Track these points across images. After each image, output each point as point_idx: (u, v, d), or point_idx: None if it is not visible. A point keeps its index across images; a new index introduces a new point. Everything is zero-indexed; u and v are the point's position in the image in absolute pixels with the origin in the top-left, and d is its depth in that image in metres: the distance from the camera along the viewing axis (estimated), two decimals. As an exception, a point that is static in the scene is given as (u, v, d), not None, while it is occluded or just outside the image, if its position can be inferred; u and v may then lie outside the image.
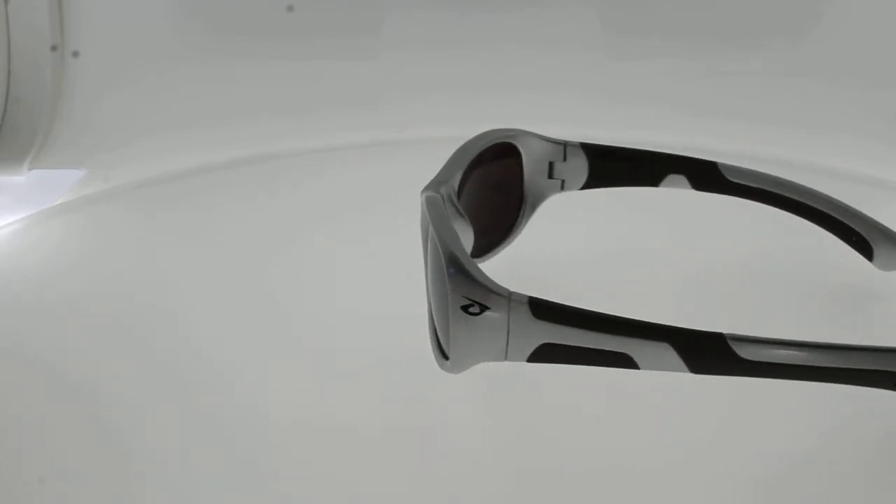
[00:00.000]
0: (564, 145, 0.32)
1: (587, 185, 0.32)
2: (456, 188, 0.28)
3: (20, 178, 0.47)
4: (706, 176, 0.31)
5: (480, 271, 0.22)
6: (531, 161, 0.32)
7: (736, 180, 0.31)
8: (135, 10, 0.53)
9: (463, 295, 0.21)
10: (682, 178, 0.31)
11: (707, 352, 0.21)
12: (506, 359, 0.22)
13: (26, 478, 0.24)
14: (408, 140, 0.47)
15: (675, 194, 0.32)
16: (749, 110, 0.49)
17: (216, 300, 0.32)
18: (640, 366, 0.21)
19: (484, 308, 0.21)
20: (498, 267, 0.30)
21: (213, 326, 0.30)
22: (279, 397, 0.26)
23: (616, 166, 0.32)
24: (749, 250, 0.34)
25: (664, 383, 0.23)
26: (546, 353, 0.22)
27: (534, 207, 0.32)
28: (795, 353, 0.21)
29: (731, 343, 0.21)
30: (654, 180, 0.32)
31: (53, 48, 0.51)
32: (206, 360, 0.28)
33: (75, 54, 0.52)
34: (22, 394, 0.27)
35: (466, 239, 0.27)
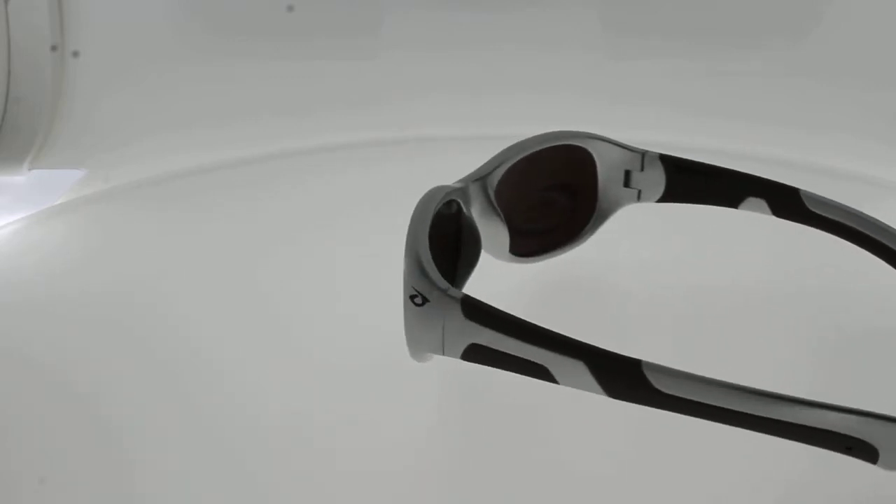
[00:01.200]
0: (643, 154, 0.31)
1: (664, 198, 0.31)
2: (495, 184, 0.28)
3: (20, 178, 0.47)
4: (786, 203, 0.30)
5: (431, 265, 0.22)
6: (606, 167, 0.31)
7: (816, 211, 0.29)
8: (135, 10, 0.53)
9: (411, 284, 0.22)
10: (762, 203, 0.30)
11: (621, 377, 0.20)
12: (443, 354, 0.22)
13: (26, 478, 0.24)
14: (408, 140, 0.47)
15: (754, 218, 0.31)
16: (749, 110, 0.49)
17: (216, 300, 0.32)
18: (558, 381, 0.21)
19: (425, 300, 0.22)
20: (557, 267, 0.32)
21: (213, 327, 0.30)
22: (279, 398, 0.26)
23: (694, 181, 0.31)
24: (810, 281, 0.33)
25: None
26: (476, 354, 0.22)
27: (607, 214, 0.32)
28: (719, 393, 0.19)
29: (646, 371, 0.20)
30: (732, 201, 0.30)
31: (53, 48, 0.51)
32: (206, 360, 0.28)
33: (75, 54, 0.52)
34: (21, 394, 0.27)
35: (495, 234, 0.29)
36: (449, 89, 0.51)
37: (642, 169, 0.31)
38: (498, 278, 0.29)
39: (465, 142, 0.44)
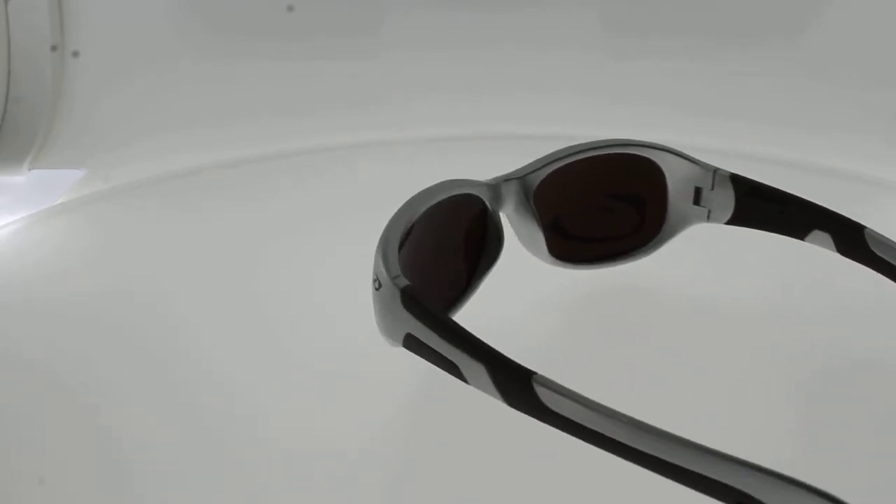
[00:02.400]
0: (714, 172, 0.30)
1: (732, 221, 0.30)
2: (536, 184, 0.28)
3: (20, 178, 0.47)
4: (851, 240, 0.27)
5: (393, 252, 0.23)
6: (675, 182, 0.30)
7: (880, 254, 0.27)
8: (135, 10, 0.53)
9: (373, 269, 0.23)
10: (827, 238, 0.28)
11: (514, 386, 0.20)
12: (390, 339, 0.23)
13: (26, 478, 0.24)
14: (408, 140, 0.47)
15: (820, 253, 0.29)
16: (749, 110, 0.49)
17: (216, 300, 0.32)
18: (468, 381, 0.21)
19: (380, 285, 0.23)
20: (607, 275, 0.31)
21: (214, 327, 0.30)
22: (280, 398, 0.26)
23: (763, 207, 0.29)
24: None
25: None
26: (412, 344, 0.22)
27: (675, 230, 0.31)
28: (606, 421, 0.18)
29: (535, 385, 0.19)
30: (799, 232, 0.28)
31: (53, 48, 0.51)
32: (205, 360, 0.28)
33: (75, 54, 0.52)
34: (21, 394, 0.27)
35: (529, 235, 0.29)
36: (449, 89, 0.51)
37: (713, 188, 0.30)
38: (546, 282, 0.29)
39: (465, 142, 0.44)
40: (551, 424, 0.19)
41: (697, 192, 0.30)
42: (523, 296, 0.30)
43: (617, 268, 0.31)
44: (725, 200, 0.30)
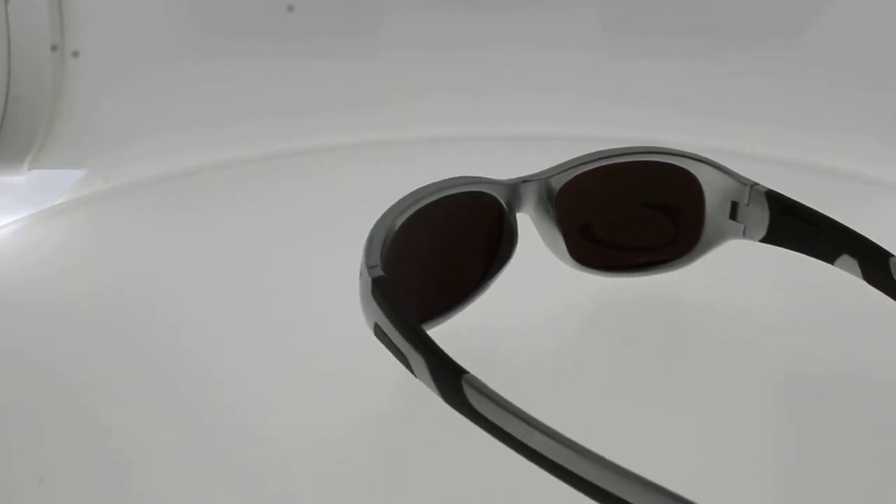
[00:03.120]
0: (751, 187, 0.29)
1: (766, 239, 0.29)
2: (559, 186, 0.28)
3: (20, 178, 0.47)
4: (877, 268, 0.26)
5: (378, 241, 0.24)
6: (713, 194, 0.29)
7: None
8: (135, 10, 0.53)
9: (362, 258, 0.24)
10: (854, 264, 0.27)
11: (446, 383, 0.20)
12: (370, 327, 0.23)
13: (26, 478, 0.24)
14: (408, 140, 0.47)
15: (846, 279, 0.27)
16: (749, 110, 0.49)
17: (216, 300, 0.32)
18: (415, 374, 0.21)
19: (360, 274, 0.23)
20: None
21: (213, 327, 0.30)
22: (279, 398, 0.26)
23: (796, 226, 0.28)
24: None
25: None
26: (378, 334, 0.22)
27: (711, 244, 0.30)
28: (525, 429, 0.18)
29: (464, 384, 0.19)
30: (829, 256, 0.27)
31: (53, 48, 0.51)
32: (205, 360, 0.28)
33: (75, 54, 0.52)
34: (21, 394, 0.27)
35: (550, 237, 0.29)
36: (449, 89, 0.51)
37: (748, 203, 0.29)
38: (571, 287, 0.29)
39: (465, 142, 0.44)
40: (477, 424, 0.19)
41: (734, 207, 0.29)
42: (546, 299, 0.30)
43: (644, 277, 0.30)
44: (760, 217, 0.29)
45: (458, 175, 0.27)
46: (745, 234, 0.29)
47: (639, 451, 0.23)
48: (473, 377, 0.20)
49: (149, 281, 0.34)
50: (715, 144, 0.45)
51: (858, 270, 0.26)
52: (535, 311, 0.29)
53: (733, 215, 0.29)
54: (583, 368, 0.27)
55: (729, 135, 0.46)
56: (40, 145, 0.49)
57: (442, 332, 0.27)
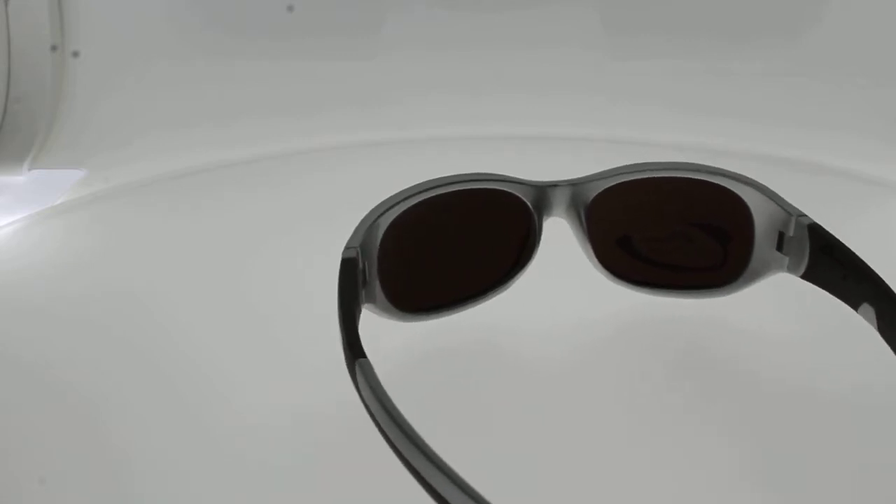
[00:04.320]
0: (796, 217, 0.26)
1: (805, 275, 0.26)
2: (593, 194, 0.27)
3: (20, 178, 0.47)
4: (892, 319, 0.24)
5: (367, 223, 0.26)
6: (760, 221, 0.27)
7: None
8: (134, 11, 0.53)
9: None
10: (872, 313, 0.24)
11: (349, 363, 0.21)
12: None
13: (26, 478, 0.24)
14: (408, 140, 0.47)
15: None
16: (749, 109, 0.49)
17: (216, 300, 0.32)
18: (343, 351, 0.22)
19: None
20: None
21: (213, 326, 0.30)
22: (279, 397, 0.26)
23: (831, 267, 0.26)
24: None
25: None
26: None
27: (758, 275, 0.28)
28: (390, 427, 0.19)
29: (357, 369, 0.21)
30: (854, 301, 0.25)
31: (53, 48, 0.51)
32: (205, 359, 0.28)
33: (75, 54, 0.52)
34: (21, 394, 0.27)
35: (582, 244, 0.28)
36: (449, 89, 0.51)
37: (793, 234, 0.27)
38: (602, 297, 0.29)
39: (466, 142, 0.44)
40: (369, 414, 0.20)
41: (780, 238, 0.27)
42: (575, 306, 0.30)
43: (677, 298, 0.29)
44: (802, 251, 0.26)
45: (479, 171, 0.27)
46: (787, 268, 0.27)
47: (623, 469, 0.23)
48: (366, 363, 0.21)
49: (149, 280, 0.34)
50: (715, 144, 0.45)
51: (874, 319, 0.24)
52: (560, 317, 0.29)
53: (780, 246, 0.27)
54: (593, 380, 0.27)
55: (729, 134, 0.46)
56: (40, 145, 0.49)
57: (460, 324, 0.28)
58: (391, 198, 0.26)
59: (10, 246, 0.38)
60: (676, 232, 0.28)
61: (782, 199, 0.27)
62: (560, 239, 0.28)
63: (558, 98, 0.50)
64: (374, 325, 0.27)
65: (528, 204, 0.27)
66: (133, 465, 0.24)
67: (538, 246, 0.28)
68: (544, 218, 0.28)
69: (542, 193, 0.27)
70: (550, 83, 0.51)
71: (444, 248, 0.27)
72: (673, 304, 0.29)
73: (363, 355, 0.21)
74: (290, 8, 0.52)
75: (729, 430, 0.25)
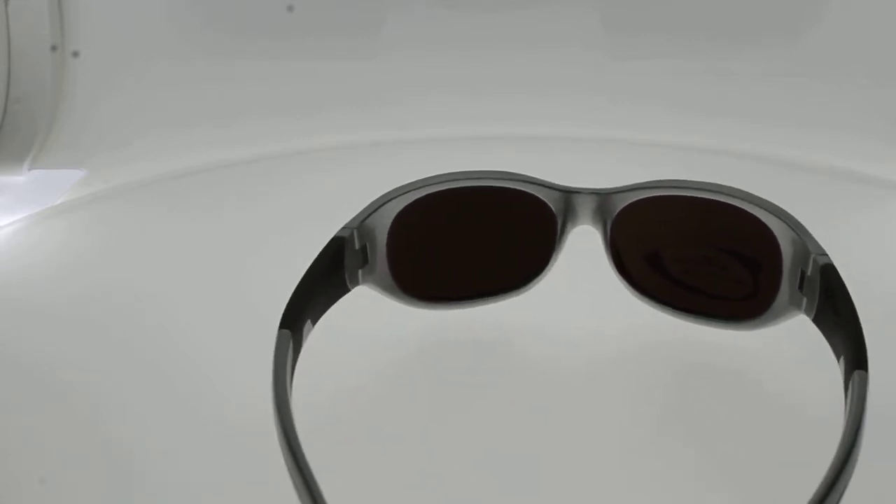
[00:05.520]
0: (814, 257, 0.24)
1: (815, 320, 0.24)
2: (620, 206, 0.26)
3: (20, 178, 0.47)
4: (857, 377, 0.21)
5: (372, 208, 0.27)
6: (788, 257, 0.25)
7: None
8: (134, 11, 0.53)
9: None
10: (841, 369, 0.22)
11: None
12: None
13: (26, 478, 0.24)
14: (408, 140, 0.47)
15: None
16: (748, 109, 0.49)
17: (216, 300, 0.32)
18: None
19: None
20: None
21: (213, 327, 0.30)
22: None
23: (836, 311, 0.23)
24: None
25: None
26: None
27: (778, 314, 0.26)
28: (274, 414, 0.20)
29: (279, 334, 0.22)
30: (837, 351, 0.23)
31: (53, 48, 0.51)
32: (205, 360, 0.28)
33: (75, 54, 0.52)
34: (21, 394, 0.27)
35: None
36: (449, 89, 0.51)
37: (810, 273, 0.24)
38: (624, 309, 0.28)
39: (466, 142, 0.44)
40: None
41: (802, 276, 0.25)
42: (592, 315, 0.29)
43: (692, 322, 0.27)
44: (814, 293, 0.24)
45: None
46: (804, 309, 0.25)
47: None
48: (286, 336, 0.22)
49: (149, 280, 0.34)
50: (715, 144, 0.45)
51: (843, 377, 0.22)
52: (578, 324, 0.29)
53: (801, 285, 0.25)
54: (602, 390, 0.26)
55: (729, 134, 0.46)
56: (40, 145, 0.49)
57: (475, 318, 0.28)
58: (409, 184, 0.27)
59: (10, 246, 0.38)
60: (704, 256, 0.27)
61: (809, 235, 0.25)
62: (588, 246, 0.27)
63: (558, 98, 0.50)
64: (386, 312, 0.27)
65: (553, 208, 0.27)
66: (133, 466, 0.24)
67: (557, 252, 0.27)
68: (569, 225, 0.27)
69: (569, 199, 0.27)
70: (550, 83, 0.51)
71: (462, 241, 0.27)
72: (691, 327, 0.28)
73: (287, 327, 0.22)
74: (290, 8, 0.52)
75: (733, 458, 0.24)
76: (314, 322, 0.25)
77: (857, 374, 0.21)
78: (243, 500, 0.23)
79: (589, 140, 0.46)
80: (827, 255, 0.24)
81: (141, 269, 0.35)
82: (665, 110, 0.48)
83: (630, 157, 0.44)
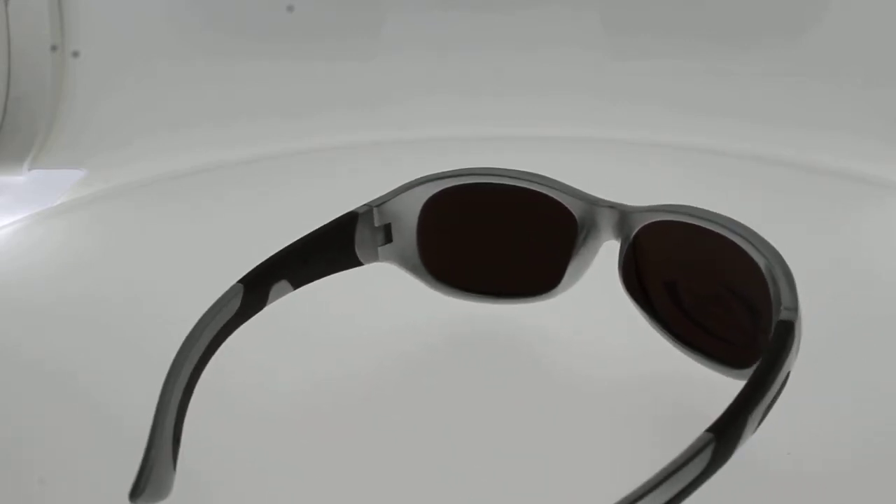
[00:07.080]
0: (781, 309, 0.22)
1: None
2: (640, 225, 0.26)
3: (20, 178, 0.47)
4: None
5: (399, 188, 0.28)
6: (777, 300, 0.22)
7: None
8: (135, 11, 0.53)
9: None
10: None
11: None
12: None
13: (26, 478, 0.24)
14: (408, 140, 0.47)
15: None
16: (748, 109, 0.49)
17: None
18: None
19: None
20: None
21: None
22: (280, 398, 0.26)
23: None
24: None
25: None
26: None
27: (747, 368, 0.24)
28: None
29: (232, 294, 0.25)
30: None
31: (53, 48, 0.51)
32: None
33: (75, 54, 0.52)
34: (21, 394, 0.27)
35: None
36: (449, 89, 0.51)
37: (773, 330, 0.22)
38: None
39: (465, 142, 0.44)
40: None
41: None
42: (617, 330, 0.28)
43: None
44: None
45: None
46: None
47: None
48: (237, 288, 0.25)
49: (149, 280, 0.34)
50: (715, 144, 0.45)
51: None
52: (599, 335, 0.29)
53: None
54: (611, 402, 0.26)
55: (729, 134, 0.46)
56: (40, 145, 0.49)
57: (494, 314, 0.28)
58: (441, 173, 0.28)
59: (10, 246, 0.38)
60: (712, 293, 0.26)
61: (793, 289, 0.22)
62: (610, 258, 0.27)
63: (558, 98, 0.50)
64: (401, 301, 0.28)
65: (577, 218, 0.27)
66: (133, 466, 0.24)
67: (573, 260, 0.27)
68: (591, 239, 0.27)
69: (592, 210, 0.26)
70: (550, 83, 0.51)
71: (488, 236, 0.28)
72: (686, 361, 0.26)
73: (243, 282, 0.25)
74: (290, 8, 0.52)
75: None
76: (296, 285, 0.27)
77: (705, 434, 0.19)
78: (246, 495, 0.23)
79: (588, 140, 0.47)
80: (794, 310, 0.22)
81: (141, 269, 0.35)
82: (665, 110, 0.48)
83: (630, 157, 0.44)
